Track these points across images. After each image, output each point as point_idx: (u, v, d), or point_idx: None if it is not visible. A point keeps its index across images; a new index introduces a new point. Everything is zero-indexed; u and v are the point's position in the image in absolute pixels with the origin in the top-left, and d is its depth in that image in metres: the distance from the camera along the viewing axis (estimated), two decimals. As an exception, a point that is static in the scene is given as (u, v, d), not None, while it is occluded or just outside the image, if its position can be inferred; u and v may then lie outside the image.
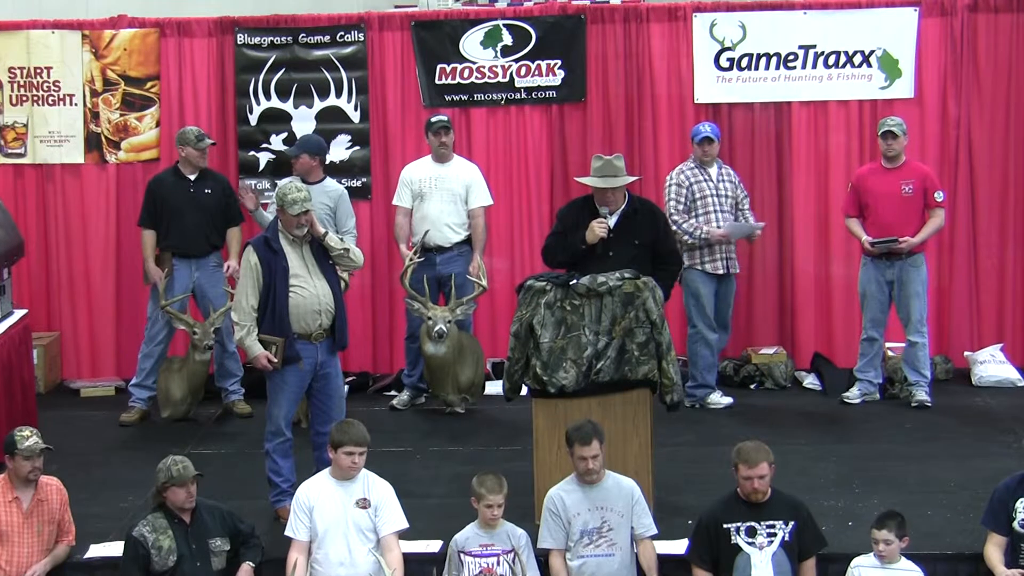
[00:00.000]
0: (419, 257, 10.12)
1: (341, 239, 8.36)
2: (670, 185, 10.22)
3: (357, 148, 11.22)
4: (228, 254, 10.34)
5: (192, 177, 10.30)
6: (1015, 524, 7.13)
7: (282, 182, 9.41)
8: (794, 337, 11.18)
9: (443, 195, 10.31)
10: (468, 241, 10.38)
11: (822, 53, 10.98)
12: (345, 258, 8.20)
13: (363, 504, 7.21)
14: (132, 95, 11.21)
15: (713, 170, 10.29)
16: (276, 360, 7.97)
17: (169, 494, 7.18)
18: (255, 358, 7.99)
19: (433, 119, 10.44)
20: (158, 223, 10.31)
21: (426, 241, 10.25)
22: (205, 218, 10.28)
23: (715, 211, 10.19)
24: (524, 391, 8.08)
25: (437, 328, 9.82)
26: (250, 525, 7.44)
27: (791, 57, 11.00)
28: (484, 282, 10.05)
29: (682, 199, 10.15)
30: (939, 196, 10.08)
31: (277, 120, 11.21)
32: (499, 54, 11.12)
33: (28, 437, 7.50)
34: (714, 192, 10.22)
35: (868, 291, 10.15)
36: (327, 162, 10.66)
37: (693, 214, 10.14)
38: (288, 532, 7.26)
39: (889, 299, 10.13)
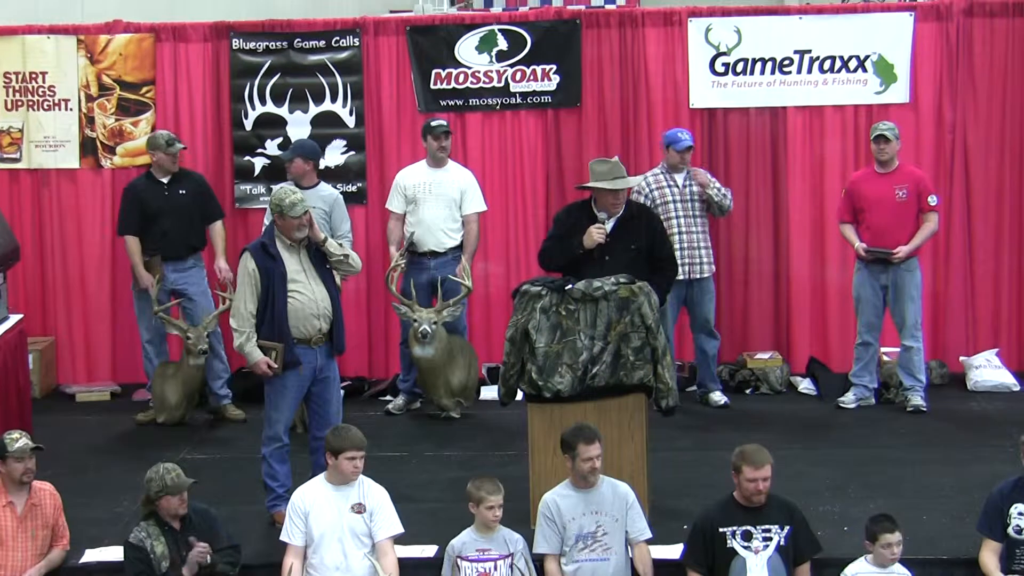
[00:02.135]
0: (403, 259, 10.14)
1: (340, 245, 8.35)
2: (632, 193, 10.22)
3: (352, 153, 11.22)
4: (215, 253, 10.34)
5: (165, 180, 10.30)
6: (1010, 530, 7.13)
7: (274, 188, 9.40)
8: (789, 342, 11.17)
9: (438, 200, 10.31)
10: (462, 246, 10.38)
11: (817, 58, 10.98)
12: (344, 264, 8.21)
13: (358, 509, 7.20)
14: (127, 100, 11.22)
15: (680, 175, 10.29)
16: (276, 365, 7.97)
17: (163, 502, 7.16)
18: (255, 364, 7.98)
19: (434, 123, 10.42)
20: (139, 229, 10.30)
21: (418, 245, 10.27)
22: (183, 220, 10.29)
23: (676, 216, 10.19)
24: (519, 396, 8.08)
25: (422, 328, 9.83)
26: (230, 537, 7.37)
27: (786, 62, 11.00)
28: (468, 282, 10.05)
29: None
30: (933, 200, 10.08)
31: (272, 125, 11.21)
32: (494, 59, 11.13)
33: (18, 439, 7.50)
34: (678, 198, 10.23)
35: (862, 296, 10.15)
36: (321, 167, 10.65)
37: None
38: (283, 537, 7.25)
39: (883, 303, 10.13)
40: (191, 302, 10.31)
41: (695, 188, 10.27)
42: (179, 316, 10.32)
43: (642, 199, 10.17)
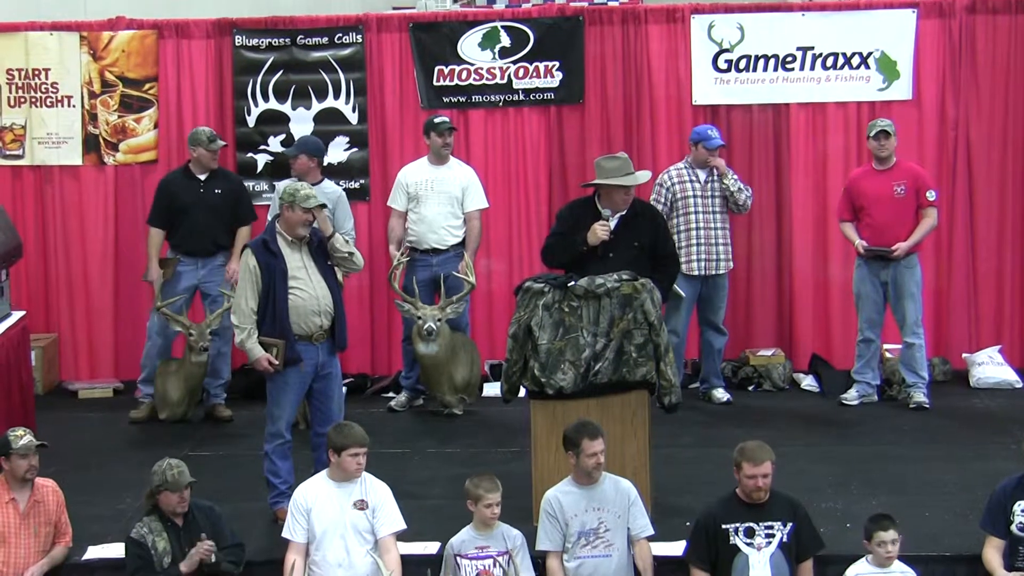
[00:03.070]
0: (405, 257, 10.14)
1: (347, 242, 8.35)
2: (655, 185, 10.23)
3: (355, 150, 11.22)
4: (232, 253, 10.35)
5: (202, 177, 10.32)
6: (1013, 527, 7.12)
7: (284, 183, 9.40)
8: (792, 339, 11.17)
9: (440, 198, 10.31)
10: (464, 243, 10.38)
11: (820, 55, 10.98)
12: (348, 261, 8.21)
13: (361, 505, 7.20)
14: (130, 97, 11.22)
15: (704, 172, 10.27)
16: (277, 362, 7.97)
17: (162, 498, 7.17)
18: (256, 360, 7.98)
19: (437, 120, 10.41)
20: (167, 223, 10.33)
21: (420, 243, 10.27)
22: (213, 218, 10.29)
23: (696, 212, 10.19)
24: (522, 393, 8.08)
25: (427, 326, 9.83)
26: (234, 535, 7.38)
27: (789, 59, 11.00)
28: (472, 279, 10.05)
29: (661, 198, 10.17)
30: (931, 195, 10.07)
31: (275, 122, 11.21)
32: (497, 56, 11.12)
33: (22, 436, 7.52)
34: (699, 194, 10.22)
35: (863, 292, 10.15)
36: (324, 163, 10.65)
37: (675, 214, 10.15)
38: (285, 534, 7.25)
39: (884, 300, 10.13)
40: (214, 303, 10.30)
41: (715, 184, 10.25)
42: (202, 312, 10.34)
43: (664, 192, 10.18)
